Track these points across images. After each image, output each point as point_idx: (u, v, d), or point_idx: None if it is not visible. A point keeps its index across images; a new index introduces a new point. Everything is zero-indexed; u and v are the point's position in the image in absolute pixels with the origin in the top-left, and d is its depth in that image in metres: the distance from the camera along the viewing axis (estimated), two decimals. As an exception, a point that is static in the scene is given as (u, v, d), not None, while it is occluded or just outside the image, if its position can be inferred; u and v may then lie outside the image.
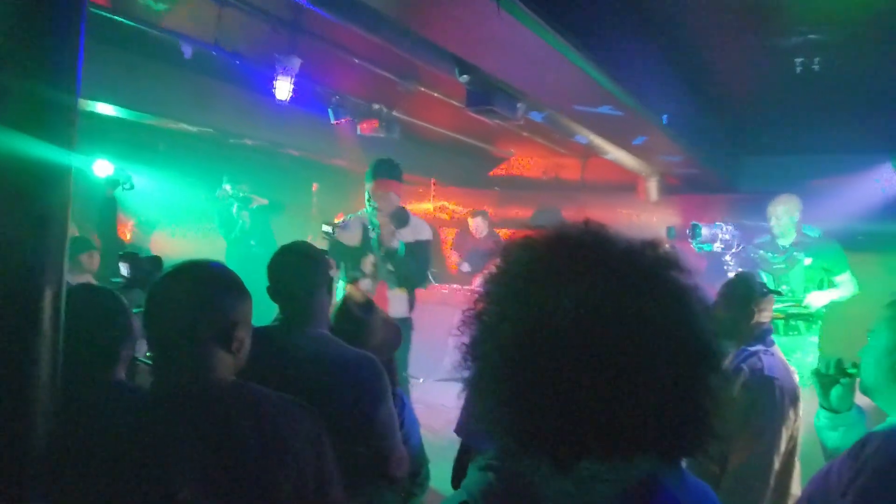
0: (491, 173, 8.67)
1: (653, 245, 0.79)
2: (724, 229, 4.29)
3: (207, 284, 1.39)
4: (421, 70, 4.48)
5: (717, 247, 4.30)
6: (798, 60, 4.40)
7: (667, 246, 0.82)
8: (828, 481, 1.41)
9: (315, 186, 7.25)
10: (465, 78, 3.60)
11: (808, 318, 4.08)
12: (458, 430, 1.81)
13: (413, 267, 3.81)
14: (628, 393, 0.71)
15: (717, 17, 3.88)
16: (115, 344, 1.67)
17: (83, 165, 4.00)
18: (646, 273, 0.76)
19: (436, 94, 4.97)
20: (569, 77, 3.41)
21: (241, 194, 6.06)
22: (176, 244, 6.40)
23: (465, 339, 0.82)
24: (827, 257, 4.26)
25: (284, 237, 6.60)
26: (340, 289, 3.85)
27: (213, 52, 3.94)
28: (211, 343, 1.34)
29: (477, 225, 7.13)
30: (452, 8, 2.66)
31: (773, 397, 2.16)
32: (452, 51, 3.25)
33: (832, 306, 4.29)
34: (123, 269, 2.35)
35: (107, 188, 4.18)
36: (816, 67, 4.37)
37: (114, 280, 2.37)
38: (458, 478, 1.75)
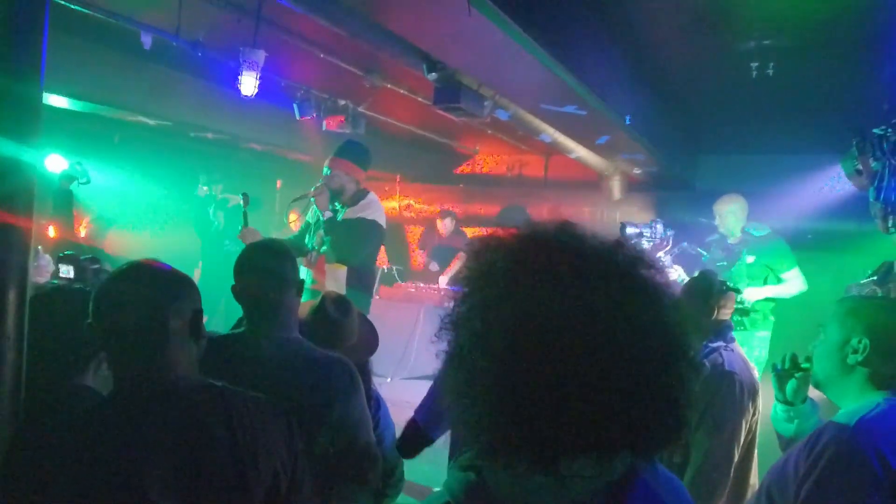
0: (456, 170, 8.69)
1: (624, 244, 0.81)
2: (654, 228, 4.32)
3: (168, 277, 1.38)
4: (388, 65, 4.46)
5: (645, 244, 4.26)
6: (754, 65, 4.56)
7: (635, 244, 0.84)
8: (785, 472, 1.47)
9: (279, 183, 7.14)
10: (433, 76, 3.61)
11: (746, 312, 4.03)
12: (417, 413, 1.87)
13: (344, 240, 3.82)
14: (610, 391, 0.72)
15: (677, 22, 3.99)
16: (87, 348, 1.62)
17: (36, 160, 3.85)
18: (622, 273, 0.77)
19: (402, 91, 4.95)
20: (536, 76, 3.45)
21: (218, 197, 6.03)
22: (133, 241, 6.21)
23: (445, 346, 0.81)
24: (770, 255, 4.33)
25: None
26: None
27: (174, 43, 3.83)
28: (181, 334, 1.34)
29: (444, 225, 7.16)
30: (422, 4, 2.66)
31: (732, 391, 2.24)
32: (421, 47, 3.25)
33: (783, 303, 4.39)
34: (66, 270, 2.25)
35: (62, 182, 4.02)
36: (771, 72, 4.53)
37: (53, 282, 2.26)
38: (403, 447, 1.92)
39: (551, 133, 5.02)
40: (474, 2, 2.41)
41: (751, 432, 2.33)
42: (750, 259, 4.36)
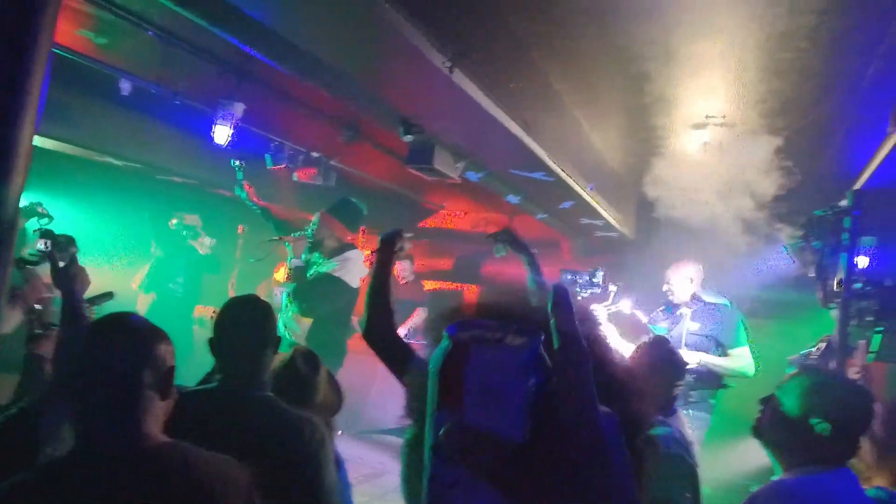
0: (421, 224, 8.81)
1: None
2: (592, 276, 3.83)
3: (145, 333, 1.39)
4: (364, 123, 4.58)
5: (580, 293, 3.89)
6: (705, 141, 4.87)
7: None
8: None
9: (241, 228, 7.08)
10: (408, 137, 3.71)
11: None
12: None
13: (306, 292, 3.92)
14: None
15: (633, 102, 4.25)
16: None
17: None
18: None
19: (375, 147, 5.07)
20: (508, 145, 3.61)
21: (186, 229, 5.97)
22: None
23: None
24: (720, 325, 3.95)
25: (208, 278, 6.34)
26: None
27: (153, 91, 3.87)
28: (151, 392, 1.34)
29: (402, 268, 7.03)
30: (407, 74, 2.79)
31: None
32: (402, 112, 3.36)
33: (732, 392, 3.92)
34: (40, 244, 2.36)
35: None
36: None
37: (31, 253, 2.34)
38: None
39: (518, 195, 5.20)
40: (457, 76, 2.56)
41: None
42: (693, 326, 4.01)
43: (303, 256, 4.10)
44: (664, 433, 2.21)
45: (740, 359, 3.91)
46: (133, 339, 1.37)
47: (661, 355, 2.50)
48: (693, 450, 2.37)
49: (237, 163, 4.11)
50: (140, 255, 6.31)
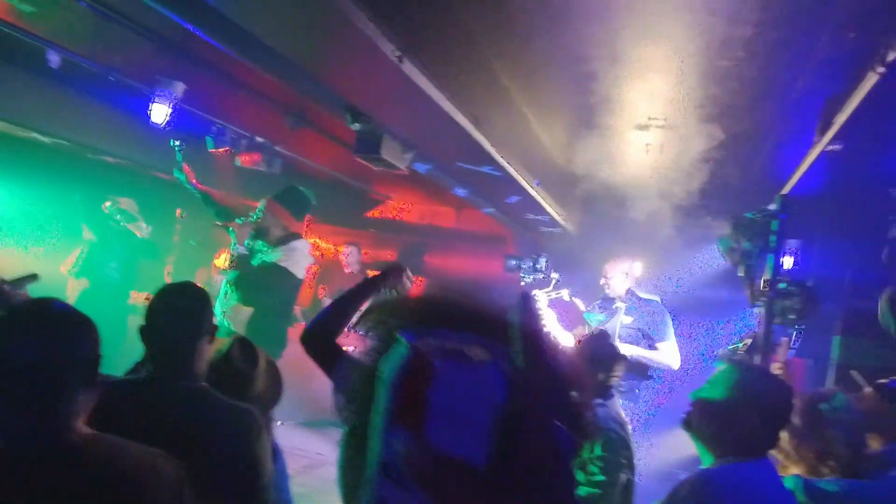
0: (367, 214, 8.74)
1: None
2: (535, 262, 4.01)
3: (68, 320, 1.33)
4: (310, 109, 4.49)
5: (524, 278, 4.10)
6: (647, 143, 5.03)
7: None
8: None
9: (179, 212, 6.83)
10: (356, 126, 3.66)
11: None
12: None
13: (248, 281, 3.87)
14: None
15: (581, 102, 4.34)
16: None
17: None
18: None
19: (322, 135, 4.98)
20: (456, 137, 3.62)
21: (120, 213, 5.68)
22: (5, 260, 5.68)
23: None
24: (649, 321, 4.28)
25: (146, 264, 6.09)
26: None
27: (85, 65, 3.66)
28: (74, 383, 1.29)
29: (348, 254, 6.77)
30: (355, 61, 2.75)
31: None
32: (349, 100, 3.31)
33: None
34: None
35: None
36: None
37: None
38: None
39: (466, 189, 5.23)
40: (406, 66, 2.54)
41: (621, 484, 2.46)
42: (627, 320, 4.31)
43: (246, 243, 4.01)
44: (602, 413, 2.38)
45: (667, 353, 4.24)
46: (55, 326, 1.31)
47: (603, 349, 2.64)
48: (628, 428, 2.55)
49: (176, 143, 3.95)
50: (69, 238, 5.97)
